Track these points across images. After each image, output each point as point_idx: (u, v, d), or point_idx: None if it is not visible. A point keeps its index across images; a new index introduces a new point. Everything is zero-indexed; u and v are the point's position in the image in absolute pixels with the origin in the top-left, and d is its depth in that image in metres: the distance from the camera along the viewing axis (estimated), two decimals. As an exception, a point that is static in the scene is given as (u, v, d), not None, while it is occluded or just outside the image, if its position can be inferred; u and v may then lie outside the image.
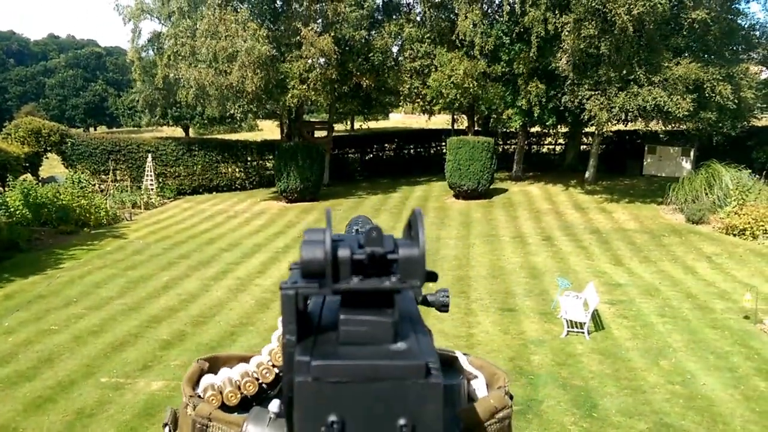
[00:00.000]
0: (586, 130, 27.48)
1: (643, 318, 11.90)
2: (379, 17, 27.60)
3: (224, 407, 0.97)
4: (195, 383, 1.00)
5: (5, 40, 78.45)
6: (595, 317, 11.65)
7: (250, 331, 11.68)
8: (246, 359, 1.04)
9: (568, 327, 11.10)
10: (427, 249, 0.54)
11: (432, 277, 0.58)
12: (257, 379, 0.99)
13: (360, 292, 0.53)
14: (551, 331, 11.34)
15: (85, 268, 16.23)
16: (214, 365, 1.05)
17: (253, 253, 17.81)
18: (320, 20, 25.15)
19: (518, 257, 16.59)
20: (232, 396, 0.98)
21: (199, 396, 0.97)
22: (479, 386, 0.95)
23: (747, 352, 10.33)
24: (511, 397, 0.90)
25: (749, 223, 17.79)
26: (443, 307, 0.67)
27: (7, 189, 21.36)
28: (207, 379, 1.00)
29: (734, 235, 17.97)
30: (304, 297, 0.56)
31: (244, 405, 0.99)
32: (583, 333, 10.99)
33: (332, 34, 23.92)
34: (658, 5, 19.14)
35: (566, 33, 21.03)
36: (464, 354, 0.96)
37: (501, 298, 13.25)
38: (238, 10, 24.27)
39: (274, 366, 0.99)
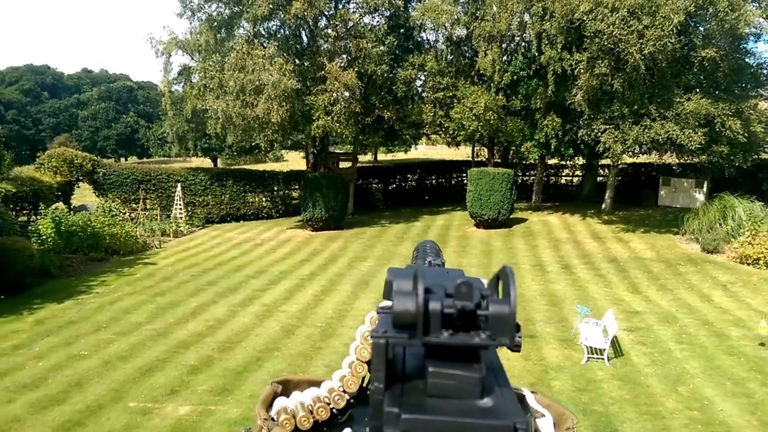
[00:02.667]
0: (603, 162, 28.06)
1: (661, 345, 12.29)
2: (400, 53, 28.52)
3: (296, 431, 0.98)
4: (269, 406, 1.01)
5: (40, 74, 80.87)
6: (615, 344, 12.06)
7: (276, 357, 11.90)
8: (316, 383, 1.04)
9: (588, 353, 11.50)
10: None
11: (518, 329, 0.59)
12: (329, 404, 0.99)
13: (449, 346, 0.53)
14: (571, 358, 11.71)
15: (115, 295, 16.59)
16: (286, 388, 1.06)
17: (279, 280, 18.16)
18: (344, 56, 26.06)
19: (538, 285, 17.01)
20: (305, 420, 0.98)
21: (273, 419, 0.98)
22: (545, 425, 0.95)
23: (763, 378, 10.63)
24: None
25: (762, 252, 18.26)
26: (516, 348, 0.63)
27: (39, 217, 21.93)
28: (280, 402, 1.01)
29: (748, 264, 18.42)
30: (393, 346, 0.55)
31: (316, 429, 0.99)
32: (602, 359, 11.39)
33: (356, 69, 24.79)
34: (669, 44, 19.77)
35: (580, 71, 21.72)
36: (532, 392, 0.95)
37: (521, 325, 13.53)
38: (265, 45, 25.32)
39: (344, 392, 0.98)
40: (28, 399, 10.08)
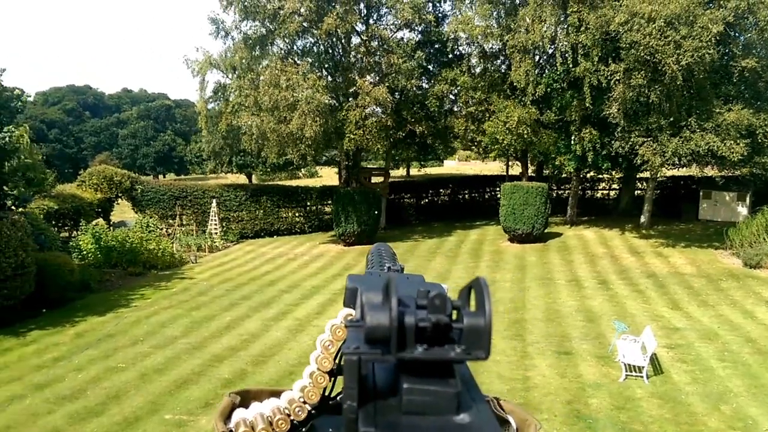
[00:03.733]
0: (640, 175, 27.54)
1: (702, 362, 11.95)
2: (433, 68, 28.59)
3: None
4: (227, 418, 0.99)
5: (82, 94, 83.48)
6: (654, 361, 11.78)
7: None
8: (277, 394, 1.02)
9: (626, 371, 11.25)
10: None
11: None
12: (289, 416, 0.96)
13: (424, 360, 0.52)
14: (609, 375, 11.46)
15: (152, 309, 16.88)
16: (245, 399, 1.03)
17: (311, 295, 18.26)
18: (376, 71, 26.25)
19: (574, 300, 16.74)
20: None
21: (231, 431, 0.95)
22: None
23: (809, 398, 10.24)
24: None
25: (808, 268, 17.57)
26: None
27: (80, 233, 22.46)
28: (239, 414, 0.98)
29: (794, 280, 17.77)
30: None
31: None
32: (641, 377, 11.13)
33: (387, 84, 24.98)
34: (707, 55, 19.38)
35: (616, 82, 21.44)
36: (495, 398, 0.93)
37: (557, 342, 13.41)
38: (299, 63, 25.66)
39: (305, 403, 0.96)
40: (68, 410, 10.29)
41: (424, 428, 0.51)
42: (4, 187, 17.33)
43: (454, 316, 0.56)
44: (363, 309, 0.61)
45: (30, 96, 19.28)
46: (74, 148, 73.27)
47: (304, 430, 0.97)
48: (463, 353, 0.52)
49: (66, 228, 23.86)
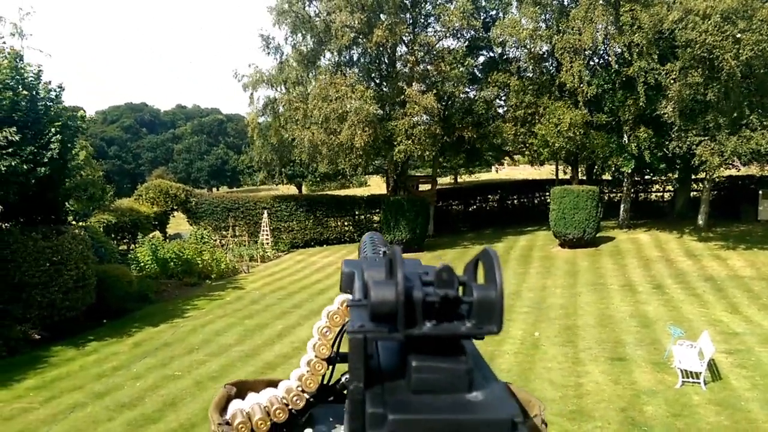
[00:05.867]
0: (695, 177, 26.70)
1: (763, 368, 11.50)
2: (480, 74, 28.47)
3: None
4: (223, 409, 0.97)
5: (138, 112, 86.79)
6: (711, 367, 11.40)
7: None
8: (274, 384, 1.00)
9: (682, 377, 10.92)
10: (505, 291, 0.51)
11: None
12: (287, 405, 0.95)
13: (431, 337, 0.50)
14: (664, 381, 11.16)
15: (207, 318, 17.21)
16: (241, 390, 1.02)
17: (360, 302, 18.54)
18: (424, 79, 26.23)
19: (627, 306, 16.35)
20: (261, 424, 0.94)
21: (228, 423, 0.94)
22: None
23: None
24: (546, 425, 0.88)
25: None
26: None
27: (138, 245, 23.18)
28: (235, 405, 0.96)
29: None
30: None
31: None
32: (698, 383, 10.78)
33: (434, 92, 24.97)
34: (767, 48, 18.70)
35: (671, 81, 20.89)
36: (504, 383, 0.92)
37: (610, 347, 13.13)
38: (346, 74, 25.98)
39: (303, 392, 0.95)
40: (126, 418, 10.56)
41: (436, 407, 0.49)
42: (66, 203, 18.10)
43: (460, 293, 0.54)
44: (366, 287, 0.60)
45: (90, 115, 20.14)
46: (132, 164, 76.08)
47: (303, 419, 0.96)
48: (474, 328, 0.51)
49: (124, 241, 24.60)
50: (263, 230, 28.34)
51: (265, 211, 28.83)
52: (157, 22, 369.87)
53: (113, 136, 76.45)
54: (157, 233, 26.43)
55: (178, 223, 32.12)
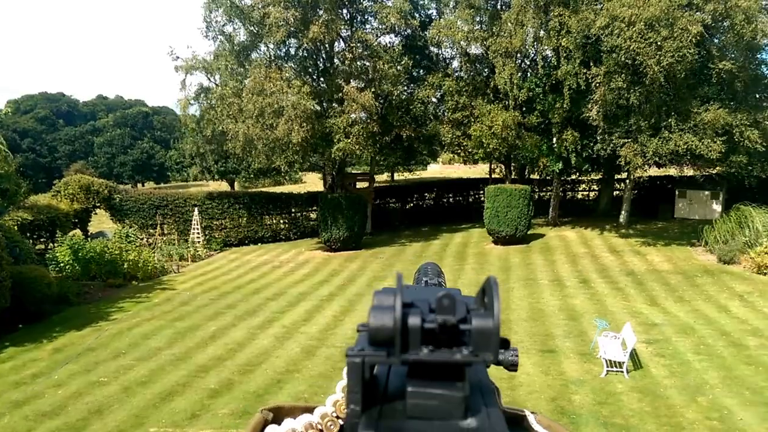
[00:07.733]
0: (619, 177, 27.98)
1: (679, 356, 12.25)
2: (416, 74, 28.78)
3: None
4: None
5: (55, 102, 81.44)
6: (633, 356, 12.04)
7: (297, 379, 11.88)
8: (310, 410, 1.01)
9: (607, 366, 11.50)
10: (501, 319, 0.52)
11: (505, 344, 0.56)
12: (321, 431, 0.97)
13: (430, 363, 0.52)
14: (591, 371, 11.71)
15: (134, 320, 16.44)
16: (277, 416, 1.03)
17: (298, 302, 18.13)
18: (361, 77, 26.18)
19: (557, 300, 17.00)
20: None
21: None
22: None
23: (782, 387, 10.53)
24: None
25: (779, 261, 18.11)
26: (512, 367, 0.58)
27: (56, 245, 21.75)
28: (271, 430, 0.98)
29: (765, 274, 18.36)
30: (371, 365, 0.54)
31: None
32: (622, 372, 11.38)
33: (372, 90, 25.01)
34: (688, 55, 19.75)
35: (596, 85, 21.80)
36: (533, 413, 0.92)
37: (541, 340, 13.63)
38: (282, 68, 25.58)
39: (338, 418, 0.96)
40: (48, 427, 10.05)
41: None
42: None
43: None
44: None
45: (1, 106, 18.96)
46: (48, 158, 71.37)
47: None
48: (470, 355, 0.51)
49: (42, 240, 23.17)
50: (194, 228, 27.50)
51: (196, 209, 27.95)
52: (76, 3, 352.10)
53: (27, 128, 71.38)
54: (78, 232, 24.87)
55: (101, 221, 30.73)
